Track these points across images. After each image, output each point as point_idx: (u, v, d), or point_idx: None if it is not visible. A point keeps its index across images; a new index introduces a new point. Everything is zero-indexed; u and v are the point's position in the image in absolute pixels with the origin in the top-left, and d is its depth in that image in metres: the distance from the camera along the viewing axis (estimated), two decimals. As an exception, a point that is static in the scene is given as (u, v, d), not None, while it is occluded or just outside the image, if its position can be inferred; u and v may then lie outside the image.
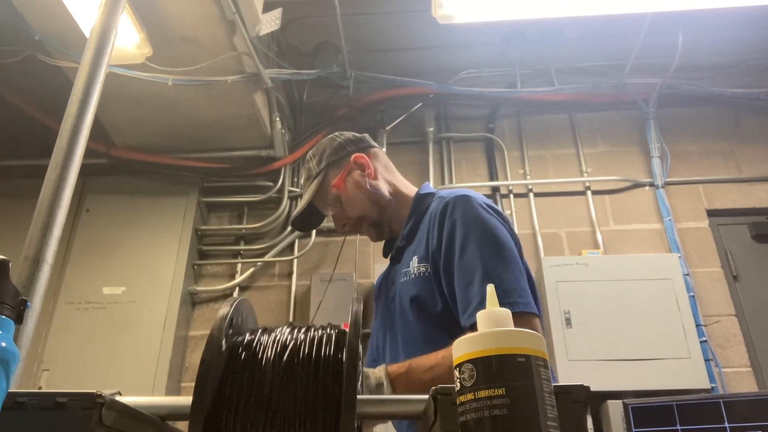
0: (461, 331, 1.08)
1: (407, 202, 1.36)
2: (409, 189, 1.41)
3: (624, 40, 3.27)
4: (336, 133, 1.44)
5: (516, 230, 3.37)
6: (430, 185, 1.42)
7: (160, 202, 3.27)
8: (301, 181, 1.46)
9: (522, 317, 1.03)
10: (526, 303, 1.06)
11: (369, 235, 1.39)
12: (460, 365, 0.51)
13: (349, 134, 1.44)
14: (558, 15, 2.73)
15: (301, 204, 1.39)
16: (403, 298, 1.23)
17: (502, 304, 1.01)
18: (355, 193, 1.33)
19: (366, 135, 1.46)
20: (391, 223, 1.37)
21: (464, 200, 1.19)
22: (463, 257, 1.10)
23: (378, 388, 1.02)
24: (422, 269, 1.20)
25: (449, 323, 1.12)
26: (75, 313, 2.92)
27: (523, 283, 1.09)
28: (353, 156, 1.37)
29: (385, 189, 1.36)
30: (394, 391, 1.03)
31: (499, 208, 1.24)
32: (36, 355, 2.81)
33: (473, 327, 1.03)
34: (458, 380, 0.50)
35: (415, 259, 1.23)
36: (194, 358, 3.06)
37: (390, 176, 1.40)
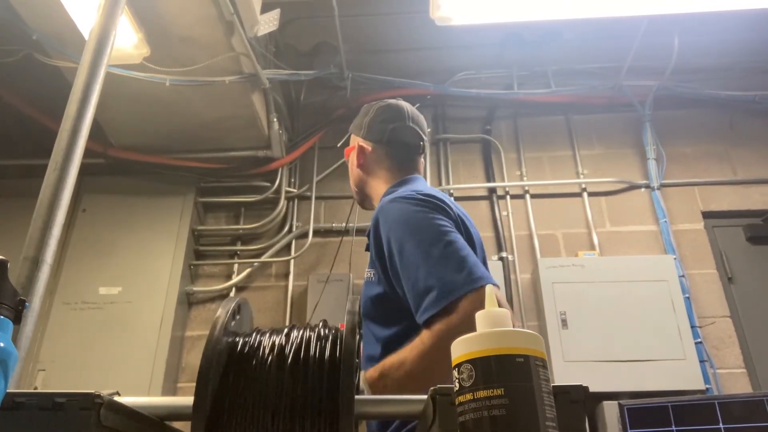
0: (402, 324, 1.14)
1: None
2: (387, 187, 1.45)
3: (620, 42, 3.28)
4: (377, 107, 1.48)
5: (511, 226, 3.31)
6: (416, 180, 1.42)
7: (157, 202, 3.26)
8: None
9: (478, 293, 1.02)
10: (483, 276, 1.04)
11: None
12: (458, 365, 0.51)
13: (379, 118, 1.46)
14: (555, 17, 2.74)
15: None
16: (362, 301, 1.30)
17: (451, 292, 1.02)
18: (350, 167, 1.52)
19: (396, 127, 1.45)
20: (371, 206, 1.48)
21: (390, 204, 1.20)
22: (404, 259, 1.11)
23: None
24: (369, 275, 1.26)
25: (387, 323, 1.18)
26: (71, 313, 2.92)
27: (473, 259, 1.08)
28: (358, 142, 1.48)
29: (363, 180, 1.47)
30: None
31: (433, 192, 1.23)
32: (32, 355, 2.81)
33: (428, 324, 1.04)
34: (457, 380, 0.51)
35: (368, 264, 1.29)
36: (191, 359, 3.06)
37: (384, 171, 1.44)
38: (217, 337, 0.65)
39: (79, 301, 2.94)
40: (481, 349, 0.50)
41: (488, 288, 0.57)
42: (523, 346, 0.49)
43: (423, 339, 1.04)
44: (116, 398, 0.64)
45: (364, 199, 1.51)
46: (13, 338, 0.59)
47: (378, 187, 1.44)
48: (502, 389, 0.47)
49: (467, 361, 0.50)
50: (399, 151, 1.46)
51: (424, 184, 1.40)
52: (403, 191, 1.26)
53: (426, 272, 1.06)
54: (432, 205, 1.17)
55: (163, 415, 0.70)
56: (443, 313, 1.02)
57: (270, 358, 0.65)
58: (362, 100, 3.55)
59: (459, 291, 1.02)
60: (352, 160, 1.49)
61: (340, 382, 0.61)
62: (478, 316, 0.54)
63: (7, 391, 0.57)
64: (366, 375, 1.08)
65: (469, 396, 0.49)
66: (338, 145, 1.56)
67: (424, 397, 0.61)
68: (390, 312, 1.18)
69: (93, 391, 0.60)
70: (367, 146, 1.46)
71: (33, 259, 0.93)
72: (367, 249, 1.34)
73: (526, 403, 0.47)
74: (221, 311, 0.69)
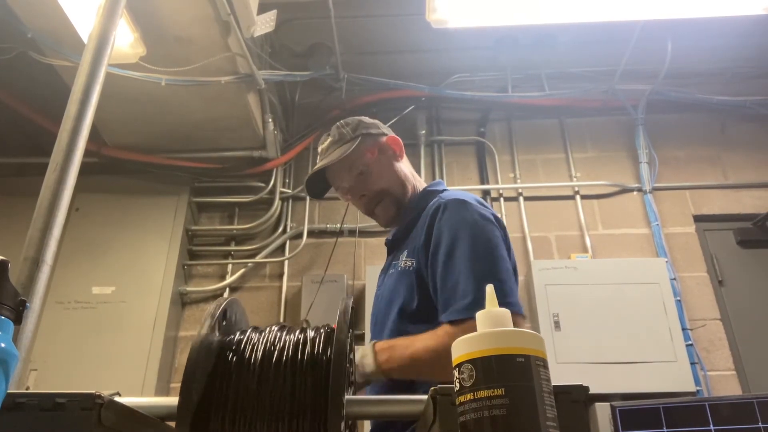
0: (435, 327, 1.12)
1: (416, 195, 1.39)
2: (421, 184, 1.43)
3: (614, 46, 3.31)
4: (364, 117, 1.46)
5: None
6: (443, 183, 1.45)
7: (151, 201, 3.25)
8: (323, 145, 1.42)
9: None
10: (514, 303, 1.08)
11: (386, 212, 1.37)
12: (459, 365, 0.51)
13: (378, 121, 1.47)
14: (550, 21, 2.76)
15: (325, 161, 1.36)
16: (387, 290, 1.27)
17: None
18: (387, 167, 1.35)
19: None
20: (406, 207, 1.38)
21: (459, 203, 1.20)
22: (452, 258, 1.12)
23: (363, 359, 1.10)
24: (408, 263, 1.22)
25: (423, 320, 1.15)
26: (64, 312, 2.90)
27: (512, 284, 1.12)
28: (389, 137, 1.40)
29: (409, 175, 1.41)
30: (377, 362, 1.10)
31: (494, 210, 1.26)
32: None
33: (452, 323, 1.06)
34: (457, 380, 0.51)
35: (405, 253, 1.26)
36: (184, 359, 3.03)
37: (411, 169, 1.46)
38: (203, 336, 0.65)
39: (72, 301, 2.93)
40: (481, 348, 0.50)
41: (489, 288, 0.58)
42: (523, 345, 0.50)
43: (439, 333, 1.07)
44: (116, 398, 0.64)
45: (403, 200, 1.36)
46: (13, 339, 0.59)
47: (417, 184, 1.41)
48: (503, 389, 0.47)
49: (468, 361, 0.50)
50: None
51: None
52: (466, 195, 1.24)
53: (468, 277, 1.08)
54: (498, 223, 1.21)
55: (163, 415, 0.70)
56: (469, 321, 1.04)
57: (261, 357, 0.66)
58: (357, 101, 3.55)
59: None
60: (389, 158, 1.36)
61: (329, 381, 0.61)
62: (479, 315, 0.55)
63: (8, 391, 0.57)
64: (376, 344, 1.13)
65: (469, 396, 0.49)
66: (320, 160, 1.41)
67: (424, 397, 0.61)
68: (424, 301, 1.18)
69: (94, 392, 0.60)
70: (399, 139, 1.41)
71: (33, 260, 0.93)
72: (395, 239, 1.34)
73: (526, 403, 0.47)
74: (208, 312, 0.69)
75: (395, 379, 1.12)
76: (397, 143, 1.40)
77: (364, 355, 1.11)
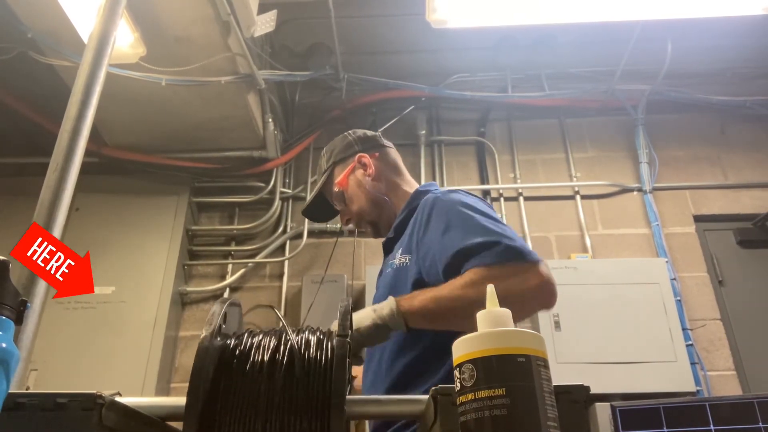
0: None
1: (406, 198, 1.39)
2: (413, 187, 1.44)
3: (614, 46, 3.31)
4: (350, 131, 1.50)
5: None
6: (436, 184, 1.45)
7: (151, 201, 3.25)
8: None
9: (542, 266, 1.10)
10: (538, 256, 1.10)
11: (367, 231, 1.46)
12: (460, 365, 0.51)
13: (361, 132, 1.50)
14: (549, 21, 2.76)
15: (309, 197, 1.50)
16: (383, 290, 1.29)
17: (493, 248, 1.08)
18: (355, 192, 1.41)
19: (378, 134, 1.52)
20: (390, 221, 1.41)
21: (448, 192, 1.25)
22: (449, 232, 1.13)
23: (379, 310, 1.09)
24: (403, 260, 1.24)
25: None
26: (64, 312, 2.89)
27: (512, 233, 1.15)
28: (357, 156, 1.43)
29: (384, 189, 1.41)
30: (398, 303, 1.08)
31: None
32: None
33: (474, 268, 1.06)
34: (458, 380, 0.51)
35: (400, 251, 1.27)
36: (184, 359, 3.05)
37: (396, 176, 1.45)
38: (210, 337, 0.65)
39: (72, 300, 2.92)
40: (482, 348, 0.50)
41: (489, 288, 0.57)
42: (524, 345, 0.50)
43: (464, 277, 1.06)
44: (117, 399, 0.64)
45: (380, 220, 1.41)
46: (14, 339, 0.59)
47: (406, 189, 1.42)
48: (504, 389, 0.48)
49: (468, 361, 0.51)
50: (396, 152, 1.50)
51: None
52: (461, 191, 1.28)
53: (485, 231, 1.10)
54: (491, 208, 1.24)
55: (164, 415, 0.70)
56: (493, 266, 1.07)
57: (262, 359, 0.66)
58: (357, 101, 3.55)
59: (532, 256, 1.10)
60: (358, 180, 1.39)
61: (331, 382, 0.61)
62: (479, 315, 0.55)
63: (9, 391, 0.57)
64: (398, 299, 1.09)
65: (470, 396, 0.49)
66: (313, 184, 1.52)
67: (425, 397, 0.62)
68: None
69: (95, 392, 0.60)
70: (372, 156, 1.42)
71: (34, 260, 0.92)
72: (388, 240, 1.36)
73: (527, 403, 0.47)
74: (215, 311, 0.69)
75: (414, 327, 1.09)
76: (365, 160, 1.42)
77: (380, 307, 1.09)
